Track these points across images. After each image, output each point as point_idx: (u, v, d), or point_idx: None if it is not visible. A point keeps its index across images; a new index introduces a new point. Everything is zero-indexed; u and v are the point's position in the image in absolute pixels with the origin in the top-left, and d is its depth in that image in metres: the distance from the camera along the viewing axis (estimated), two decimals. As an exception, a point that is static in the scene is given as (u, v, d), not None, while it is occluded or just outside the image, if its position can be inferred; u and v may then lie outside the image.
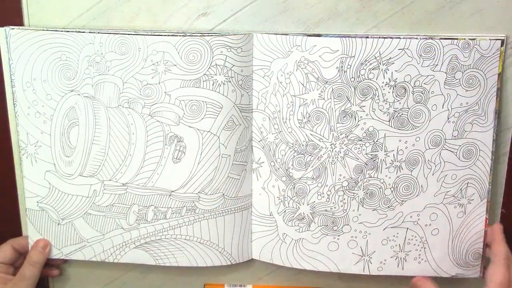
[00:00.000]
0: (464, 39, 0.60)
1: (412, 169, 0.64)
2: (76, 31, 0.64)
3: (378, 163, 0.64)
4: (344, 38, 0.61)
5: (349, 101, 0.63)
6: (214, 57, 0.62)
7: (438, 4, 0.62)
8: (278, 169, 0.66)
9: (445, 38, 0.61)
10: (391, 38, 0.61)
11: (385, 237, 0.66)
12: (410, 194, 0.65)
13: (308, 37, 0.62)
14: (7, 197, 0.72)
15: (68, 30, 0.64)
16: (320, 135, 0.64)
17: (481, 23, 0.62)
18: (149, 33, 0.63)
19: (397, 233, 0.66)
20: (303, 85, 0.63)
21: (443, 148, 0.63)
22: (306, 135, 0.64)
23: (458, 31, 0.62)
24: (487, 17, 0.62)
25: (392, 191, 0.65)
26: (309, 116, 0.64)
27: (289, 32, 0.64)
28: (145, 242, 0.68)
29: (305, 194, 0.66)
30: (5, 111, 0.68)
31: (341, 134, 0.64)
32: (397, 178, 0.65)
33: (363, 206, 0.66)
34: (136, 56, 0.63)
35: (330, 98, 0.63)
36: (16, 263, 0.70)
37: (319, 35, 0.62)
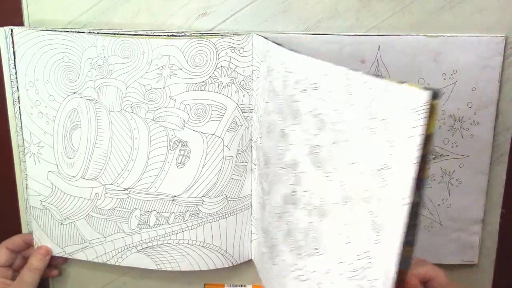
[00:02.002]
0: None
1: (320, 220, 0.49)
2: (76, 31, 0.63)
3: (296, 200, 0.53)
4: (288, 51, 0.53)
5: (285, 121, 0.55)
6: (219, 59, 0.62)
7: (438, 4, 0.62)
8: (259, 174, 0.65)
9: (366, 74, 0.41)
10: (319, 59, 0.48)
11: None
12: (316, 250, 0.49)
13: (273, 44, 0.57)
14: (7, 197, 0.72)
15: (68, 30, 0.63)
16: (270, 149, 0.60)
17: (481, 23, 0.63)
18: (149, 33, 0.62)
19: None
20: (268, 93, 0.60)
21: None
22: (267, 146, 0.61)
23: (458, 31, 0.63)
24: (487, 17, 0.62)
25: (303, 238, 0.52)
26: (268, 126, 0.60)
27: (289, 32, 0.63)
28: (147, 247, 0.68)
29: (265, 209, 0.63)
30: (5, 111, 0.68)
31: (279, 155, 0.57)
32: (308, 225, 0.51)
33: (285, 243, 0.56)
34: (140, 60, 0.62)
35: (278, 113, 0.57)
36: (14, 264, 0.70)
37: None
